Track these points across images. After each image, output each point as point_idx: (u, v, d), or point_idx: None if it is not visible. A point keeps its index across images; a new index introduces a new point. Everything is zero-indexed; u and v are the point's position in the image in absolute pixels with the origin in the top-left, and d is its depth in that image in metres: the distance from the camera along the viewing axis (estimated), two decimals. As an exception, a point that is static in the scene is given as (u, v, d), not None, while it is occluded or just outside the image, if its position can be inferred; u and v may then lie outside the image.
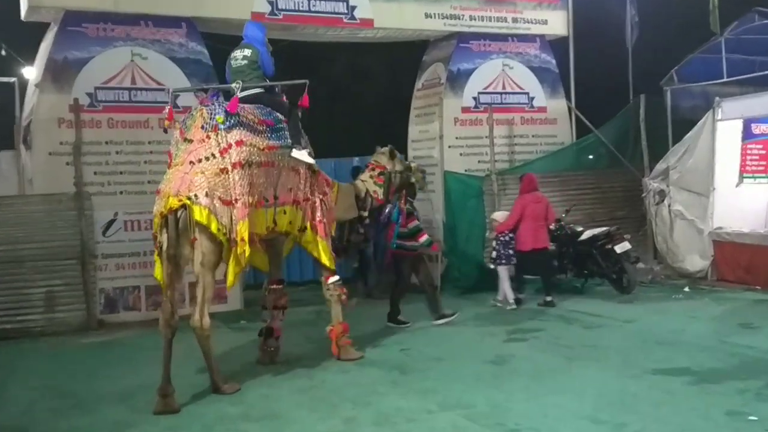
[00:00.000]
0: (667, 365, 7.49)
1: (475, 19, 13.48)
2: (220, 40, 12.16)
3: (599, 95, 14.81)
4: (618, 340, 8.83)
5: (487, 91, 13.70)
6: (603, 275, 11.78)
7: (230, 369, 8.00)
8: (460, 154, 13.35)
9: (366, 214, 9.02)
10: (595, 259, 11.57)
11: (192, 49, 11.44)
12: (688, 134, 12.84)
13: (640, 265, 12.61)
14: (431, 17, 13.11)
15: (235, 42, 12.39)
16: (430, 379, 7.47)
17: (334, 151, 14.64)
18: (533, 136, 13.99)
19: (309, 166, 8.10)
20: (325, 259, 8.28)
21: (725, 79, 12.85)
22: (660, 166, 13.19)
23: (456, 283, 12.43)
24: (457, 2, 13.19)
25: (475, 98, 13.56)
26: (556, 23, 14.28)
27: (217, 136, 7.30)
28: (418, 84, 14.16)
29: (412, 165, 9.81)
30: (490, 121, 13.05)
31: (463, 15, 13.37)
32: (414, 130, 14.04)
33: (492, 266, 11.37)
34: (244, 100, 7.71)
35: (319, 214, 8.23)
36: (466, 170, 13.04)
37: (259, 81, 7.99)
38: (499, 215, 11.52)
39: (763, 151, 12.85)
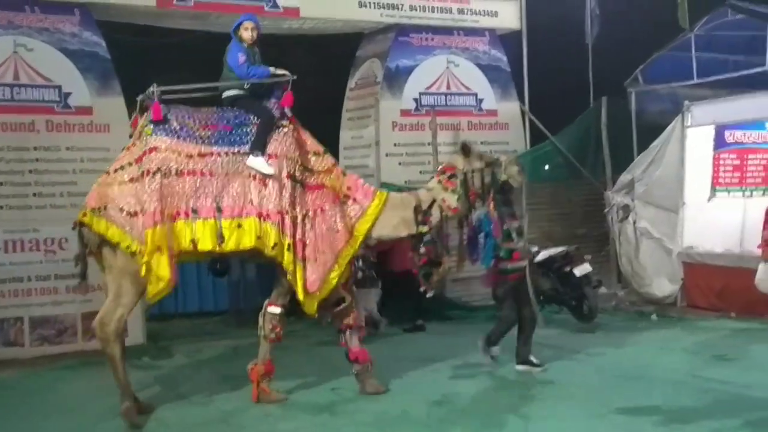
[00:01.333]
0: (634, 403, 7.59)
1: (416, 10, 13.57)
2: (120, 29, 12.03)
3: (556, 97, 14.99)
4: (579, 375, 8.91)
5: (430, 91, 13.80)
6: (561, 302, 11.92)
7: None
8: (399, 164, 13.39)
9: (426, 229, 8.50)
10: (552, 283, 11.70)
11: (87, 40, 11.23)
12: (655, 142, 13.11)
13: (603, 289, 12.80)
14: (366, 6, 13.15)
15: (139, 32, 12.28)
16: (362, 423, 7.43)
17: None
18: (482, 142, 14.06)
19: (287, 177, 7.97)
20: (299, 288, 7.95)
21: (695, 81, 13.16)
22: (624, 177, 13.42)
23: (394, 312, 12.42)
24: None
25: (416, 99, 13.64)
26: (508, 16, 14.47)
27: (140, 143, 7.86)
28: (351, 83, 14.18)
29: (502, 158, 8.93)
30: (434, 126, 13.11)
31: (402, 5, 13.44)
32: (346, 136, 14.04)
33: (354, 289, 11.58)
34: (226, 103, 8.28)
35: (300, 231, 7.95)
36: (406, 182, 13.05)
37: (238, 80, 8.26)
38: None
39: (737, 162, 13.22)
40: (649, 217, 13.18)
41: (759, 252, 11.79)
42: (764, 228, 11.02)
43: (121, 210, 7.62)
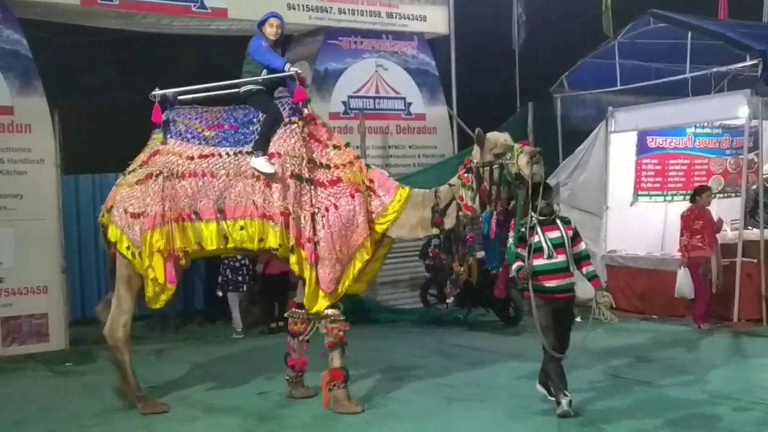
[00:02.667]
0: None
1: (344, 13, 13.59)
2: (43, 27, 11.81)
3: (483, 102, 15.17)
4: (505, 377, 9.02)
5: (359, 95, 13.84)
6: (487, 304, 12.03)
7: (53, 421, 7.74)
8: (328, 167, 13.37)
9: (436, 231, 8.03)
10: (478, 286, 11.78)
11: (7, 38, 11.00)
12: (580, 147, 13.35)
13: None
14: (295, 9, 13.12)
15: (63, 31, 12.06)
16: (291, 426, 7.42)
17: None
18: (410, 146, 14.22)
19: (297, 176, 7.67)
20: (309, 290, 7.67)
21: (619, 87, 13.43)
22: (549, 182, 13.58)
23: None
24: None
25: (344, 103, 13.66)
26: (436, 20, 14.58)
27: (151, 145, 8.13)
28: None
29: (515, 146, 7.52)
30: (362, 130, 13.16)
31: (331, 8, 13.45)
32: (274, 138, 13.96)
33: (219, 293, 12.09)
34: (241, 98, 8.22)
35: (310, 231, 7.60)
36: (333, 184, 13.06)
37: (251, 76, 8.16)
38: None
39: (659, 167, 13.53)
40: (573, 220, 13.25)
41: (679, 256, 12.17)
42: (681, 234, 11.34)
43: (126, 211, 7.78)
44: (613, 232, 13.02)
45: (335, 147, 7.95)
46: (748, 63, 11.73)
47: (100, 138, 14.86)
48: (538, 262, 7.15)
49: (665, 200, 13.63)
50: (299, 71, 8.03)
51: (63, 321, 11.20)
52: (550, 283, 7.23)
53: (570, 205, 13.36)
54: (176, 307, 12.92)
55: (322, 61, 13.50)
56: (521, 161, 7.29)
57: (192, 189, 7.73)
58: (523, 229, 7.15)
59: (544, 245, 7.18)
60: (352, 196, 7.72)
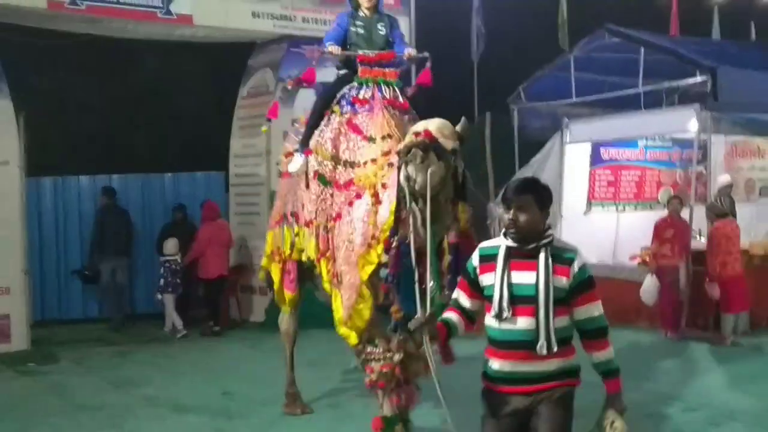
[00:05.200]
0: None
1: (308, 22, 13.73)
2: (9, 30, 11.85)
3: (441, 111, 15.33)
4: (462, 381, 9.25)
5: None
6: (445, 309, 12.27)
7: (19, 420, 7.86)
8: (291, 173, 13.54)
9: (384, 259, 6.20)
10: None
11: (-26, 41, 11.06)
12: (535, 157, 13.68)
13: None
14: (259, 17, 13.24)
15: (27, 34, 12.06)
16: (257, 425, 7.61)
17: (148, 165, 14.54)
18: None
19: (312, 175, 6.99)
20: (336, 313, 6.48)
21: (574, 99, 13.75)
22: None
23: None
24: (288, 2, 13.41)
25: (307, 110, 13.80)
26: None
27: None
28: (243, 91, 14.24)
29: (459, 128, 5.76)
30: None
31: (296, 16, 13.58)
32: (237, 144, 14.11)
33: (159, 296, 12.33)
34: None
35: (324, 244, 6.70)
36: (296, 191, 13.22)
37: None
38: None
39: (612, 178, 13.93)
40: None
41: (631, 263, 12.54)
42: (653, 242, 11.62)
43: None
44: (566, 240, 13.23)
45: (370, 139, 6.63)
46: (698, 79, 12.08)
47: (64, 140, 14.96)
48: (489, 322, 4.21)
49: (617, 210, 14.03)
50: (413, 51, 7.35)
51: (25, 322, 11.25)
52: (496, 364, 4.25)
53: (525, 213, 13.69)
54: (124, 311, 13.23)
55: (285, 69, 13.59)
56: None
57: (286, 190, 7.63)
58: (474, 263, 4.30)
59: (496, 292, 4.17)
60: (350, 203, 6.47)
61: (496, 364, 4.23)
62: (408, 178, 5.37)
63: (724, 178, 12.21)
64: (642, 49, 12.86)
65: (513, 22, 16.40)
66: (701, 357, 10.40)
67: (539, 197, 4.17)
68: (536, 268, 4.12)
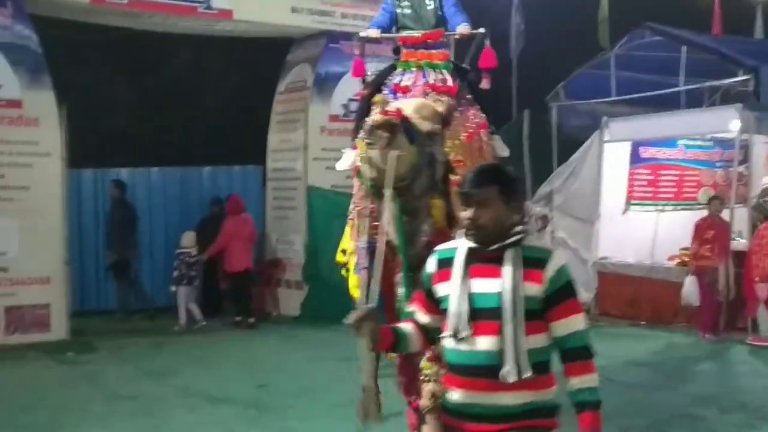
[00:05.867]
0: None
1: (347, 17, 13.74)
2: (52, 23, 12.02)
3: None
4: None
5: (358, 98, 13.98)
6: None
7: (55, 408, 7.96)
8: (326, 168, 13.48)
9: None
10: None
11: (18, 33, 11.17)
12: (574, 155, 13.59)
13: (520, 296, 13.19)
14: (298, 12, 13.29)
15: (71, 28, 12.21)
16: (290, 417, 7.63)
17: (186, 159, 14.66)
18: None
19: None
20: None
21: (614, 98, 13.66)
22: (543, 189, 13.89)
23: (317, 314, 12.64)
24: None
25: (344, 105, 13.81)
26: (436, 28, 14.77)
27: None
28: (281, 87, 14.29)
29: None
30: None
31: (335, 12, 13.62)
32: (274, 139, 14.17)
33: (173, 288, 12.38)
34: None
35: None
36: (332, 186, 13.19)
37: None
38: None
39: (651, 177, 13.79)
40: (566, 227, 13.64)
41: (669, 264, 12.44)
42: (692, 242, 11.50)
43: None
44: (604, 239, 13.26)
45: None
46: (740, 78, 11.99)
47: (104, 133, 15.13)
48: (446, 342, 3.40)
49: (656, 210, 13.89)
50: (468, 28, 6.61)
51: (64, 311, 11.38)
52: (455, 394, 3.39)
53: (563, 212, 13.64)
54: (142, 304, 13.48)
55: (323, 64, 13.67)
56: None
57: None
58: (430, 269, 3.53)
59: (452, 305, 3.36)
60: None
61: (455, 395, 3.37)
62: (370, 162, 4.39)
63: (767, 179, 12.05)
64: (684, 48, 12.76)
65: (552, 20, 16.30)
66: (739, 359, 10.30)
67: (504, 189, 3.39)
68: (500, 275, 3.30)
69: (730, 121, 11.80)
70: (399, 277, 4.92)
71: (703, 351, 10.69)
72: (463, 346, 3.31)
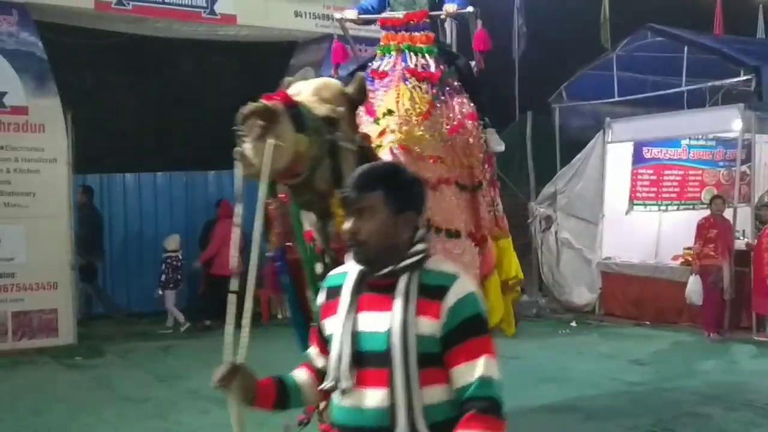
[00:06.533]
0: (555, 403, 8.05)
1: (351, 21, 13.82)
2: (56, 30, 12.11)
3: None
4: (501, 376, 9.32)
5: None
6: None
7: (66, 411, 8.04)
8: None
9: None
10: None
11: (24, 40, 11.27)
12: (577, 156, 13.69)
13: (525, 297, 13.26)
14: (301, 16, 13.39)
15: (75, 34, 12.31)
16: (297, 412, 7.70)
17: (191, 163, 14.73)
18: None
19: None
20: None
21: (616, 99, 13.74)
22: (547, 190, 13.99)
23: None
24: (330, 1, 13.49)
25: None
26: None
27: None
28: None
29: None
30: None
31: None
32: (278, 142, 14.21)
33: (159, 292, 12.51)
34: None
35: None
36: (336, 189, 13.28)
37: None
38: None
39: (654, 177, 13.88)
40: (570, 228, 13.74)
41: (673, 263, 12.52)
42: (695, 242, 11.59)
43: None
44: (608, 239, 13.34)
45: (376, 120, 5.37)
46: (742, 78, 12.05)
47: (109, 138, 15.20)
48: (334, 397, 2.83)
49: (659, 209, 13.98)
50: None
51: (72, 316, 11.48)
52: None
53: (567, 213, 13.74)
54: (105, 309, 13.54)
55: (327, 68, 13.74)
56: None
57: None
58: (319, 300, 2.95)
59: (335, 348, 2.77)
60: None
61: None
62: (242, 158, 3.56)
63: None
64: (685, 48, 12.83)
65: (555, 21, 16.37)
66: (743, 357, 10.38)
67: (393, 195, 2.72)
68: (390, 307, 2.65)
69: (732, 121, 11.90)
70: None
71: (707, 350, 10.78)
72: (348, 402, 2.69)
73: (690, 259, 11.90)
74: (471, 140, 5.63)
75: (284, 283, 4.77)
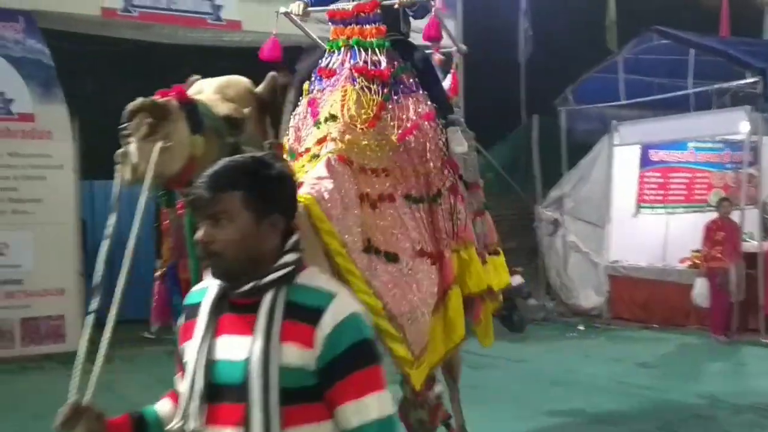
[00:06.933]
0: (561, 406, 8.04)
1: (356, 26, 13.86)
2: (63, 37, 12.17)
3: (489, 113, 15.43)
4: (508, 380, 9.35)
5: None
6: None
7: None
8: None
9: None
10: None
11: (30, 48, 11.33)
12: (584, 159, 13.70)
13: (532, 300, 13.31)
14: (306, 22, 13.39)
15: (82, 41, 12.36)
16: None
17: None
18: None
19: None
20: None
21: (622, 101, 13.75)
22: (554, 193, 14.00)
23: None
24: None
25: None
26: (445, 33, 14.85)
27: None
28: (290, 96, 14.38)
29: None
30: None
31: (343, 21, 13.72)
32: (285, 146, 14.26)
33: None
34: None
35: None
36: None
37: None
38: None
39: (661, 180, 13.90)
40: (577, 231, 13.74)
41: (681, 266, 12.52)
42: (703, 244, 11.59)
43: None
44: (615, 243, 13.34)
45: (317, 123, 4.86)
46: (749, 80, 12.04)
47: (116, 144, 15.25)
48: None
49: (667, 212, 13.98)
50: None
51: (79, 322, 11.49)
52: None
53: (574, 216, 13.75)
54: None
55: (332, 73, 13.79)
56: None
57: None
58: (179, 321, 2.57)
59: (187, 379, 2.39)
60: None
61: None
62: (124, 160, 3.33)
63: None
64: (691, 51, 12.84)
65: (560, 24, 16.36)
66: (751, 360, 10.39)
67: (255, 194, 2.31)
68: (251, 330, 2.25)
69: (739, 123, 11.89)
70: None
71: (715, 352, 10.79)
72: None
73: (697, 261, 11.90)
74: (428, 144, 4.96)
75: (176, 305, 3.98)
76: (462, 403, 7.82)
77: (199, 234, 2.30)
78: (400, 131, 4.80)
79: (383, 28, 5.08)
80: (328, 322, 2.20)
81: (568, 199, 13.79)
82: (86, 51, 13.27)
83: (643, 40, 13.56)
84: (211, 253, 2.29)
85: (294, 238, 2.39)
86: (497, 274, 5.84)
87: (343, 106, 4.74)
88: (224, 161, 2.42)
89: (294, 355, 2.19)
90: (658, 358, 10.44)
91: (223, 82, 3.89)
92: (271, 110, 3.97)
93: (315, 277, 2.36)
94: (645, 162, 13.75)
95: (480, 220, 5.74)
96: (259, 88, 3.91)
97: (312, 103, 5.02)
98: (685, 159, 14.02)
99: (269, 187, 2.34)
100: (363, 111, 4.72)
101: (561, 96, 14.49)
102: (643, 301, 12.79)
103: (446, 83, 6.12)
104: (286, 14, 5.88)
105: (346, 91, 4.82)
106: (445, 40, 5.98)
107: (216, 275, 2.34)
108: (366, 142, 4.64)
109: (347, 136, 4.58)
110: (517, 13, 15.78)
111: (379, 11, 5.10)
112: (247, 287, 2.29)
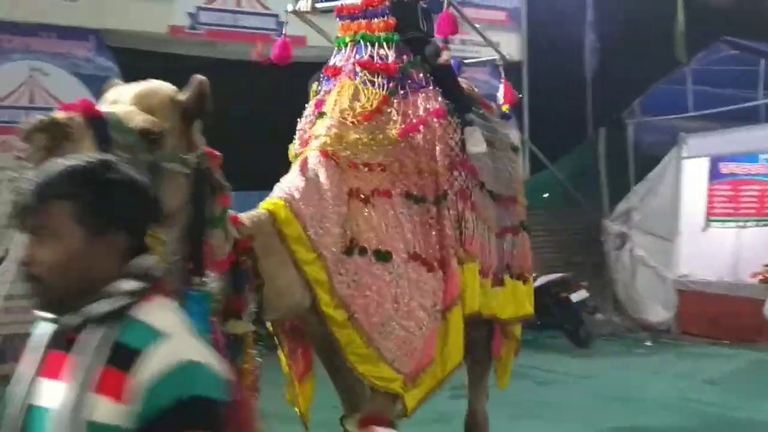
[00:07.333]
0: (628, 423, 7.95)
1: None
2: (131, 55, 12.45)
3: (554, 127, 15.36)
4: (573, 397, 9.26)
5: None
6: (558, 327, 12.26)
7: None
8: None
9: None
10: (548, 308, 12.00)
11: (100, 65, 11.64)
12: (652, 172, 13.53)
13: (599, 315, 13.16)
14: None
15: (149, 59, 12.63)
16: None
17: (249, 184, 14.91)
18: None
19: None
20: None
21: (691, 113, 13.56)
22: (621, 206, 13.84)
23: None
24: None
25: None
26: (509, 46, 14.79)
27: None
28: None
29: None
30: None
31: (399, 34, 13.78)
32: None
33: None
34: None
35: None
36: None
37: None
38: None
39: (731, 193, 13.65)
40: (645, 245, 13.56)
41: (752, 281, 12.28)
42: None
43: None
44: (684, 256, 13.15)
45: (318, 117, 4.78)
46: (821, 90, 11.83)
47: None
48: None
49: (737, 226, 13.73)
50: None
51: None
52: None
53: (641, 230, 13.58)
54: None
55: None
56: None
57: None
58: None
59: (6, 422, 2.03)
60: None
61: None
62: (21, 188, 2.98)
63: None
64: (762, 61, 12.62)
65: (627, 36, 16.23)
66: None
67: (89, 205, 1.91)
68: (60, 373, 1.92)
69: (811, 134, 11.66)
70: None
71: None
72: None
73: (769, 276, 11.69)
74: (436, 141, 4.71)
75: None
76: (527, 418, 7.83)
77: (21, 253, 1.87)
78: (403, 126, 4.64)
79: (392, 21, 4.91)
80: (146, 370, 1.78)
81: (636, 213, 13.62)
82: (153, 68, 13.51)
83: (712, 51, 13.39)
84: (30, 277, 1.88)
85: (145, 261, 1.97)
86: (514, 301, 5.45)
87: (335, 102, 4.63)
88: (58, 162, 1.98)
89: (106, 409, 1.78)
90: (728, 375, 10.23)
91: (142, 90, 3.58)
92: (198, 119, 3.54)
93: (157, 311, 1.90)
94: (715, 175, 13.55)
95: (511, 237, 5.47)
96: (183, 95, 3.54)
97: (318, 105, 4.86)
98: (756, 171, 13.76)
99: (110, 198, 1.91)
100: (360, 104, 4.59)
101: (628, 108, 14.36)
102: (712, 316, 12.55)
103: (499, 93, 6.13)
104: (295, 12, 5.81)
105: (343, 86, 4.72)
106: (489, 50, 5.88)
107: (40, 304, 1.92)
108: (357, 136, 4.50)
109: (333, 131, 4.49)
110: (582, 25, 15.68)
111: (387, 4, 4.93)
112: (72, 321, 1.89)
